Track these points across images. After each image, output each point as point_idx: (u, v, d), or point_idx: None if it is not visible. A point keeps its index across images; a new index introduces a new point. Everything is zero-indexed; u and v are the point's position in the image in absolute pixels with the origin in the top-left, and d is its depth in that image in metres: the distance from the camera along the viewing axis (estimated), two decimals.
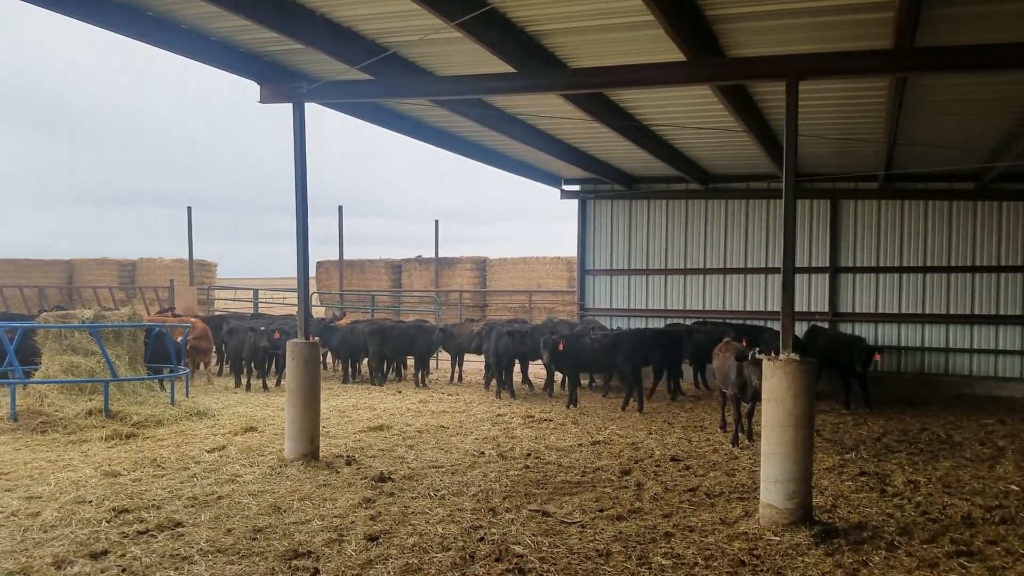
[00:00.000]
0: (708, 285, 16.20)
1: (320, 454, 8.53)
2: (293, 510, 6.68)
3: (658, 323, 15.91)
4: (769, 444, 6.51)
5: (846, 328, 14.81)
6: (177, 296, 19.64)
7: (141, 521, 6.23)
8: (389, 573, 5.31)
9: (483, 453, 9.01)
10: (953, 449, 9.58)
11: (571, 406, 12.51)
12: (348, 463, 8.35)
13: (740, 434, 9.85)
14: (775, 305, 15.60)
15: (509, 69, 7.83)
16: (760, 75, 7.36)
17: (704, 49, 7.23)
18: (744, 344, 11.12)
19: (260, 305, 21.96)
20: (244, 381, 14.43)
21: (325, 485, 7.49)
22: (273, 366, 14.97)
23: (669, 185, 16.31)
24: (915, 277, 14.88)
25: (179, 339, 12.67)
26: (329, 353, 16.68)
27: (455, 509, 6.75)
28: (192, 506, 6.70)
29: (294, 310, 23.29)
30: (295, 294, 24.54)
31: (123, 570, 5.19)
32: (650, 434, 10.38)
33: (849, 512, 6.85)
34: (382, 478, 7.66)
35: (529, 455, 8.96)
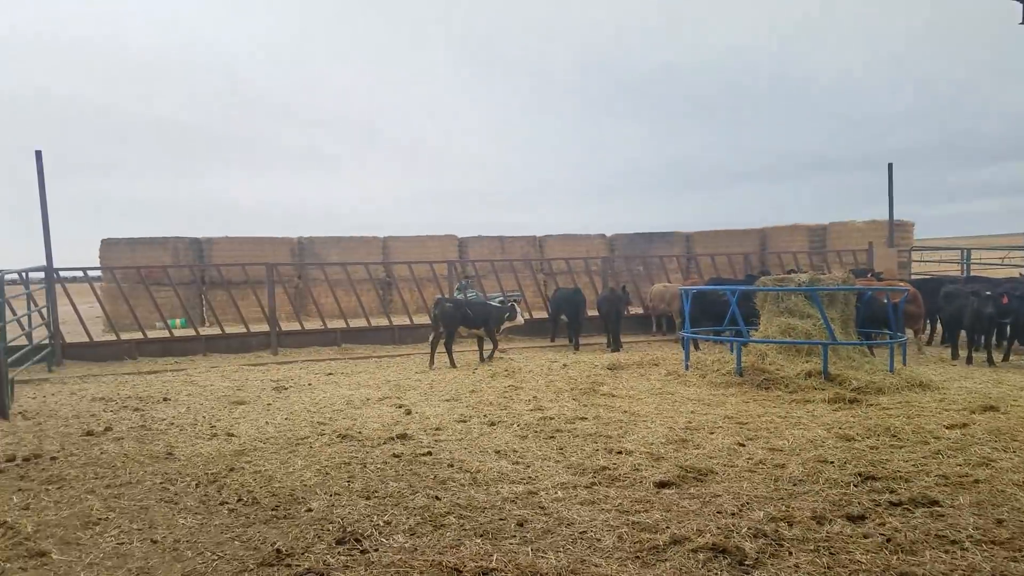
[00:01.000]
0: None
1: None
2: None
3: None
4: None
5: None
6: (876, 259, 19.02)
7: (891, 492, 5.89)
8: None
9: None
10: None
11: None
12: None
13: None
14: None
15: None
16: None
17: None
18: None
19: (971, 267, 19.58)
20: (964, 353, 12.96)
21: None
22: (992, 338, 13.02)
23: None
24: None
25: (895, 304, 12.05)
26: None
27: None
28: (944, 485, 6.05)
29: (1014, 272, 20.09)
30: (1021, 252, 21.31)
31: (887, 540, 4.92)
32: None
33: None
34: None
35: None
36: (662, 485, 6.15)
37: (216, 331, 17.48)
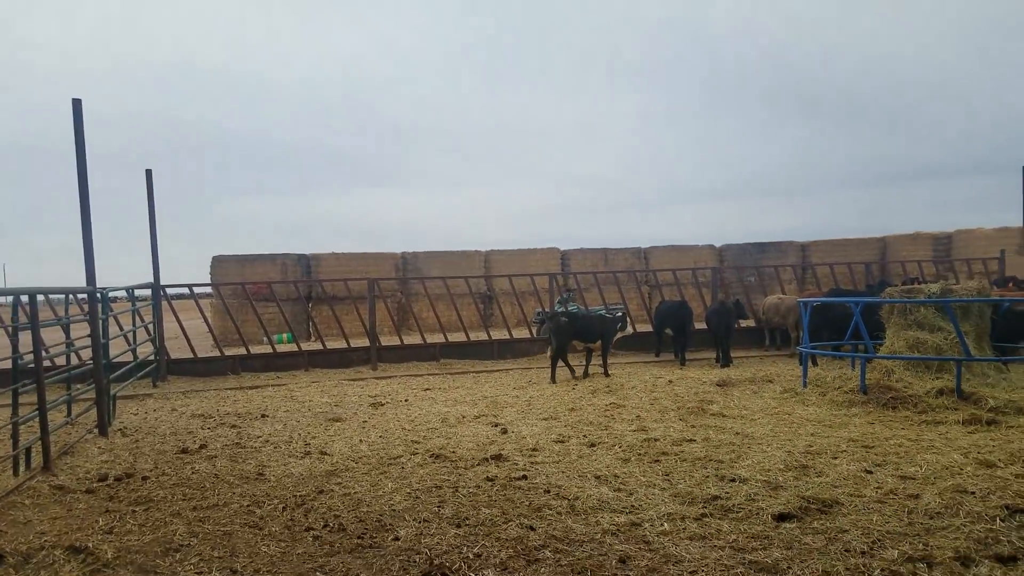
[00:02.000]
0: None
1: None
2: None
3: None
4: None
5: None
6: (1008, 267, 17.51)
7: None
8: None
9: None
10: None
11: None
12: None
13: None
14: None
15: None
16: None
17: None
18: None
19: None
20: None
21: None
22: None
23: None
24: None
25: None
26: None
27: None
28: None
29: None
30: None
31: None
32: None
33: None
34: None
35: None
36: (781, 518, 5.65)
37: (318, 346, 17.90)
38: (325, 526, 5.91)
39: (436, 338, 18.40)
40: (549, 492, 6.55)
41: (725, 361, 14.98)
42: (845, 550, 4.98)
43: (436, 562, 5.06)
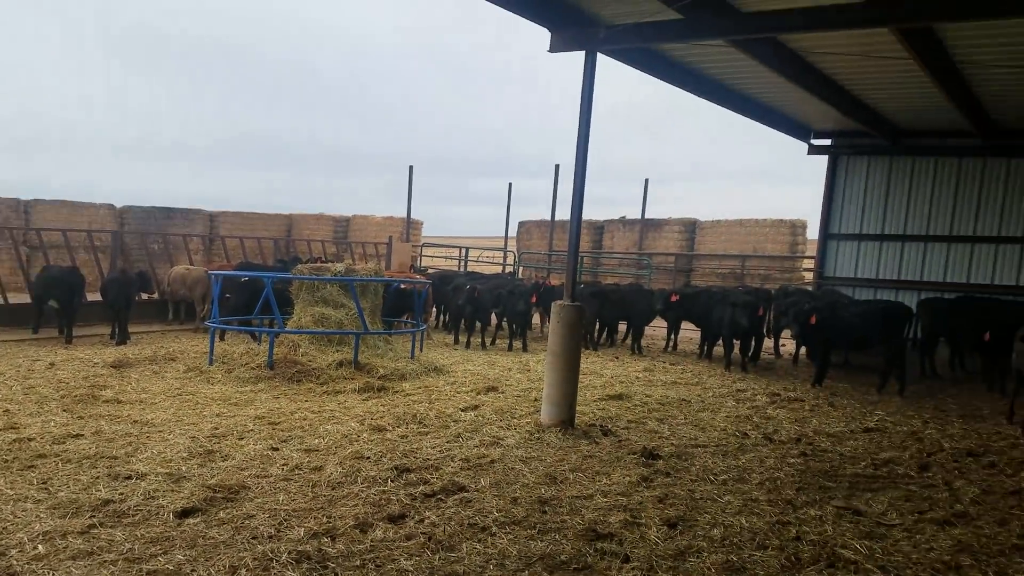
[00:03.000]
0: (976, 255, 14.17)
1: (575, 422, 8.13)
2: (570, 482, 6.27)
3: (910, 297, 14.15)
4: None
5: None
6: (394, 252, 20.28)
7: (425, 483, 6.04)
8: (709, 569, 4.70)
9: (746, 435, 8.20)
10: None
11: (817, 385, 11.35)
12: (604, 433, 7.88)
13: None
14: None
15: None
16: None
17: None
18: None
19: (468, 263, 22.25)
20: (463, 339, 14.52)
21: (590, 456, 7.04)
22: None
23: (942, 140, 14.30)
24: None
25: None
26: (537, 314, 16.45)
27: (747, 499, 6.04)
28: (468, 469, 6.47)
29: (496, 269, 23.45)
30: (497, 253, 25.06)
31: (428, 538, 4.95)
32: (927, 423, 9.15)
33: None
34: (650, 455, 7.08)
35: (799, 440, 8.06)
36: (185, 513, 5.21)
37: None
38: None
39: None
40: None
41: (122, 337, 13.61)
42: (252, 537, 4.86)
43: None
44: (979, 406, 10.25)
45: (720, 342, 13.29)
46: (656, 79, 10.93)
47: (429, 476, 6.21)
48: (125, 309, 13.62)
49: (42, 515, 5.12)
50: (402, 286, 13.02)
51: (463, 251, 22.44)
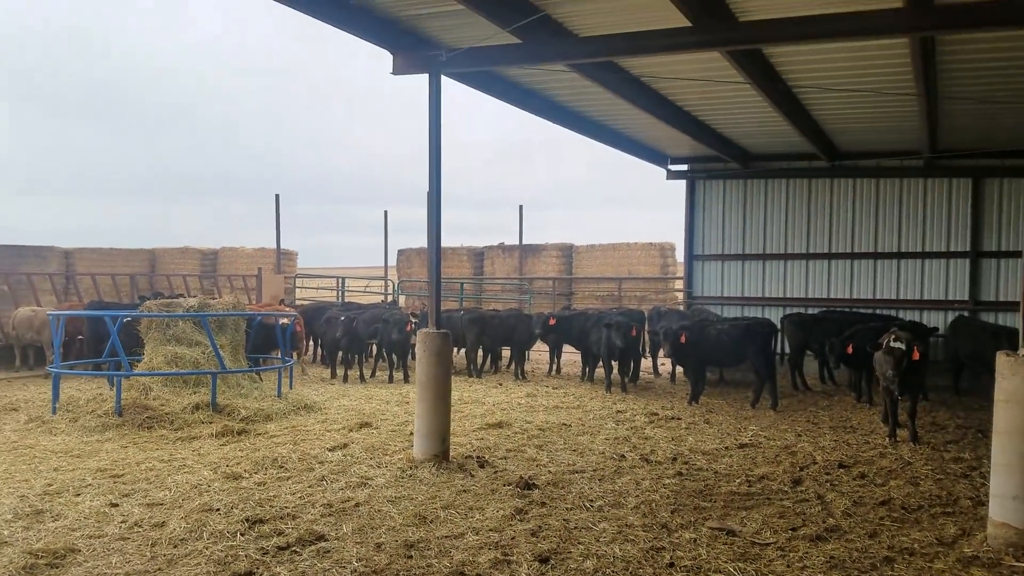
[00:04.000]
0: (833, 271, 14.91)
1: (450, 454, 7.77)
2: (441, 521, 5.90)
3: (775, 312, 14.72)
4: (1005, 454, 5.53)
5: (987, 318, 13.43)
6: (264, 284, 19.32)
7: (279, 534, 5.52)
8: None
9: (624, 457, 8.10)
10: None
11: (693, 403, 11.51)
12: (481, 465, 7.56)
13: (898, 429, 9.15)
14: (908, 293, 14.38)
15: (682, 23, 6.91)
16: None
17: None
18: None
19: (346, 294, 21.52)
20: (340, 372, 13.88)
21: (465, 491, 6.70)
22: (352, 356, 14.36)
23: (790, 163, 15.05)
24: None
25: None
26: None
27: (622, 525, 5.87)
28: (330, 515, 5.98)
29: (379, 299, 22.82)
30: (381, 282, 24.46)
31: None
32: (799, 436, 9.34)
33: None
34: (527, 485, 6.82)
35: (675, 459, 8.02)
36: None
37: None
38: None
39: None
40: None
41: None
42: None
43: None
44: (848, 417, 10.56)
45: (600, 364, 13.31)
46: (518, 108, 10.95)
47: (284, 526, 5.68)
48: None
49: None
50: (265, 319, 12.28)
51: (340, 281, 21.71)
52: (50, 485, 6.77)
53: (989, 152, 13.11)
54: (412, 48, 7.91)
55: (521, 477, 7.01)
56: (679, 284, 18.75)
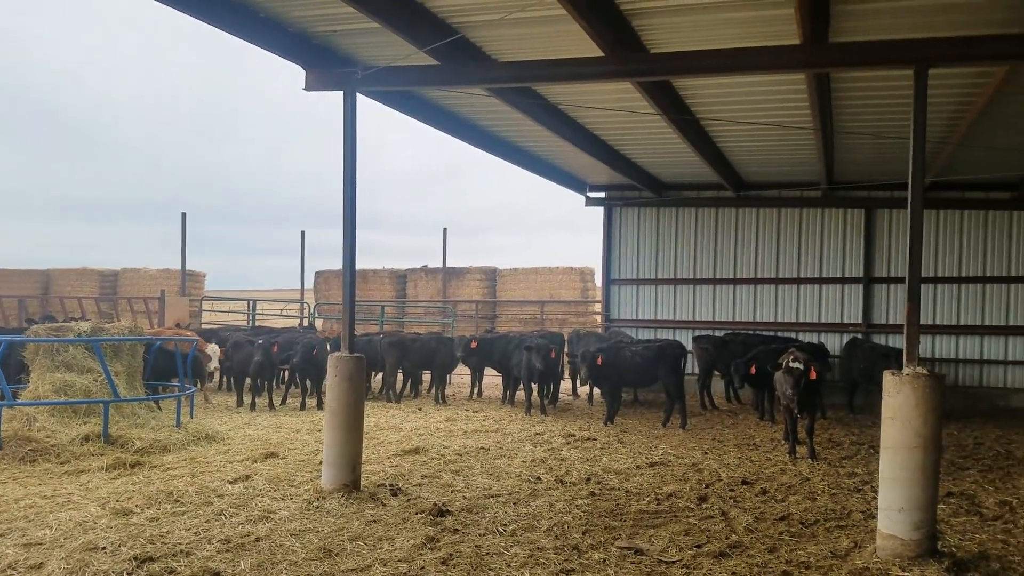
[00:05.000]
0: (738, 296, 15.46)
1: (361, 483, 7.52)
2: (347, 553, 5.68)
3: (686, 335, 15.09)
4: (892, 468, 5.81)
5: (879, 340, 14.16)
6: (168, 307, 18.47)
7: (171, 572, 5.19)
8: None
9: (539, 479, 8.05)
10: (1021, 466, 9.07)
11: (609, 423, 11.61)
12: (394, 494, 7.34)
13: (797, 446, 9.49)
14: (807, 316, 15.10)
15: (596, 53, 7.04)
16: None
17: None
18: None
19: (257, 317, 20.81)
20: (247, 400, 13.33)
21: (375, 521, 6.48)
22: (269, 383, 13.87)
23: (699, 193, 15.64)
24: (948, 288, 14.40)
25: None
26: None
27: (534, 548, 5.80)
28: (227, 551, 5.66)
29: (295, 322, 22.18)
30: (296, 304, 23.76)
31: None
32: (706, 454, 9.54)
33: (961, 539, 6.22)
34: (440, 512, 6.66)
35: (589, 480, 8.04)
36: None
37: None
38: None
39: None
40: None
41: None
42: None
43: None
44: (752, 435, 10.88)
45: (521, 386, 13.28)
46: (439, 130, 10.93)
47: (177, 564, 5.34)
48: None
49: None
50: (167, 345, 11.69)
51: (250, 304, 20.97)
52: None
53: (880, 184, 13.92)
54: (326, 65, 7.77)
55: (435, 504, 6.84)
56: (598, 307, 19.01)
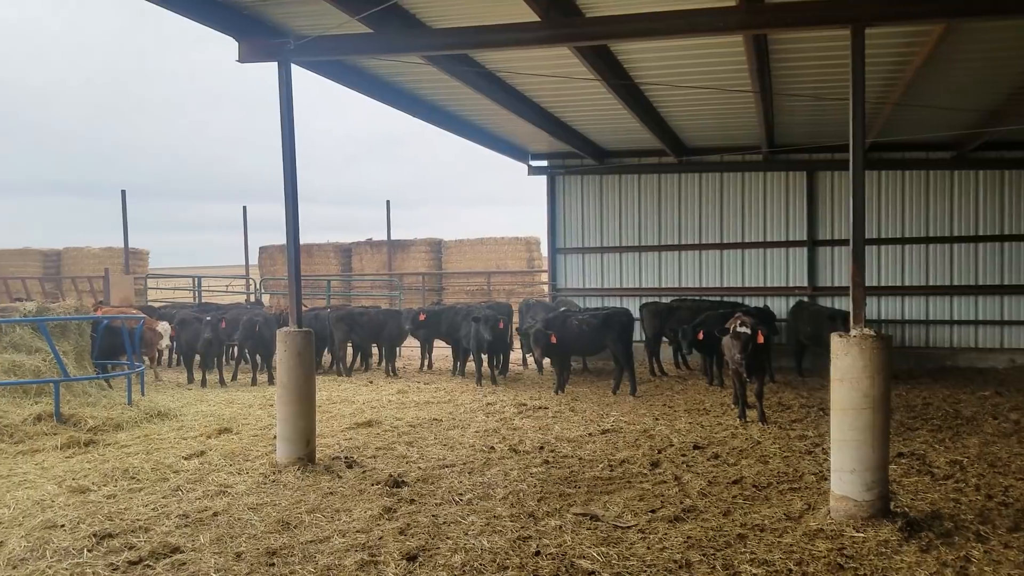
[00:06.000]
0: (684, 262, 15.76)
1: (316, 456, 7.61)
2: (305, 525, 5.79)
3: (633, 302, 15.39)
4: (842, 430, 5.90)
5: (825, 302, 14.62)
6: (112, 286, 18.05)
7: (131, 548, 5.24)
8: None
9: (493, 448, 8.24)
10: (970, 425, 9.33)
11: (559, 392, 11.86)
12: (349, 466, 7.46)
13: (747, 410, 9.76)
14: (753, 280, 15.41)
15: (532, 18, 7.05)
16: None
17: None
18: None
19: (203, 294, 20.50)
20: (197, 376, 13.23)
21: (332, 493, 6.60)
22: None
23: (641, 159, 15.78)
24: (892, 249, 14.78)
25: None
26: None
27: (491, 516, 5.98)
28: (186, 526, 5.73)
29: (241, 299, 21.92)
30: (242, 281, 23.48)
31: None
32: (657, 420, 9.81)
33: (913, 499, 6.39)
34: (395, 483, 6.80)
35: (542, 448, 8.25)
36: None
37: None
38: None
39: None
40: None
41: None
42: None
43: None
44: (702, 400, 11.14)
45: (471, 357, 13.44)
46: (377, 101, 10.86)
47: (136, 540, 5.39)
48: None
49: None
50: (114, 323, 11.51)
51: (196, 280, 20.65)
52: None
53: (821, 147, 14.17)
54: (258, 35, 7.66)
55: (390, 475, 6.98)
56: (545, 277, 19.20)
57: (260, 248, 25.55)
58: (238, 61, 7.49)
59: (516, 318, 15.11)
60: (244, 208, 23.77)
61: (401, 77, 10.63)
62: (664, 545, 5.39)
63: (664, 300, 14.87)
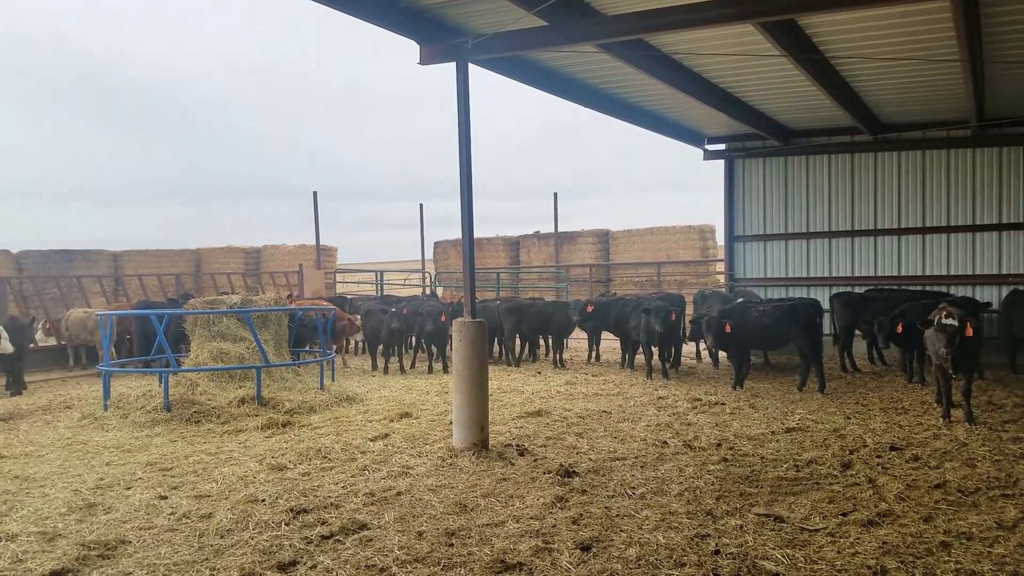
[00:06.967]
0: (880, 248, 14.52)
1: (489, 443, 7.76)
2: (481, 509, 5.89)
3: (822, 292, 14.40)
4: None
5: None
6: (306, 280, 19.60)
7: (323, 523, 5.58)
8: None
9: (666, 443, 7.99)
10: None
11: (738, 387, 11.32)
12: (521, 453, 7.53)
13: (952, 410, 8.86)
14: (959, 268, 13.92)
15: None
16: None
17: None
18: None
19: (384, 287, 21.71)
20: (381, 364, 13.99)
21: (505, 479, 6.68)
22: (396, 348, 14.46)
23: (831, 138, 14.72)
24: None
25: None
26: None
27: (666, 512, 5.78)
28: (372, 504, 6.03)
29: (418, 291, 22.96)
30: (418, 275, 24.58)
31: None
32: (848, 419, 9.08)
33: None
34: (567, 472, 6.77)
35: (720, 445, 7.88)
36: None
37: None
38: None
39: None
40: None
41: (17, 388, 12.57)
42: None
43: None
44: (900, 398, 10.23)
45: (641, 350, 13.19)
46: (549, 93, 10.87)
47: (328, 515, 5.74)
48: (19, 358, 12.59)
49: None
50: (308, 315, 12.43)
51: (378, 275, 21.88)
52: (102, 479, 6.95)
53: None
54: (438, 37, 7.89)
55: (561, 465, 6.95)
56: (720, 267, 18.46)
57: (435, 243, 26.66)
58: (419, 64, 7.78)
59: (689, 310, 14.63)
60: (421, 206, 24.86)
61: (572, 67, 10.59)
62: (856, 550, 4.96)
63: (858, 290, 13.78)
